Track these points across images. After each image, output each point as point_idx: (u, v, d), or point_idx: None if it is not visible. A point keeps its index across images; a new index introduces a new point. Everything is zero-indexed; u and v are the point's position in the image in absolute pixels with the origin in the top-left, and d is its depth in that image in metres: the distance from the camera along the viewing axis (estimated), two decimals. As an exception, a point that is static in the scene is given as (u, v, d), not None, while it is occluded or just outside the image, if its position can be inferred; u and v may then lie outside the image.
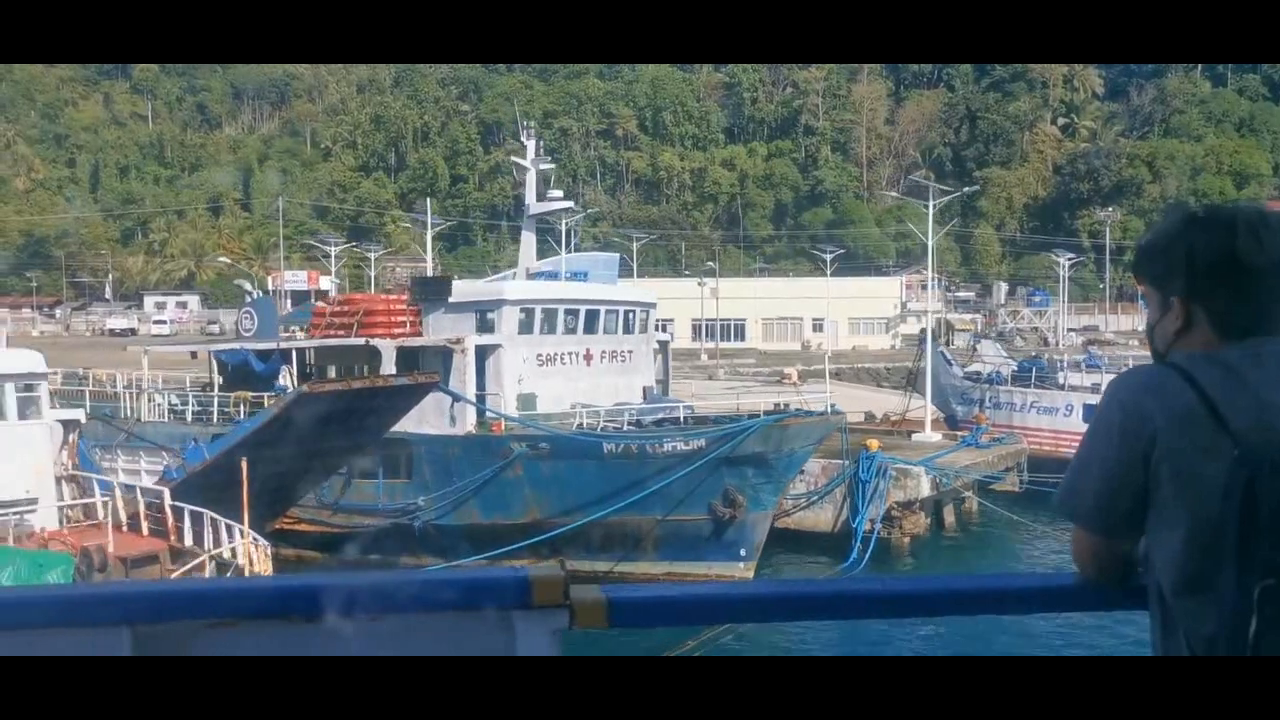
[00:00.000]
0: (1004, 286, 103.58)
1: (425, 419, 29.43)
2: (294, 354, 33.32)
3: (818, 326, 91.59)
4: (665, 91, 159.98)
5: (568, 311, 32.68)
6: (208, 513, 19.99)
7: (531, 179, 35.17)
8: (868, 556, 31.06)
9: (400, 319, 34.17)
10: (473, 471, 29.90)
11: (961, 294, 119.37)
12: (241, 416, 31.38)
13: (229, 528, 19.72)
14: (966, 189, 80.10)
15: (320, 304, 37.41)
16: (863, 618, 2.46)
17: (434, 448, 30.28)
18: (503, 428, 30.34)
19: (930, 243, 51.03)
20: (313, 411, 24.25)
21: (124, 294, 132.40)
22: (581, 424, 30.71)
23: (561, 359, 32.24)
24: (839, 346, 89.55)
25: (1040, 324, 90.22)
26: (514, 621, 2.02)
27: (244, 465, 21.17)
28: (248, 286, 41.95)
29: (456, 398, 28.65)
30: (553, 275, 77.00)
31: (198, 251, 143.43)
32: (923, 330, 49.51)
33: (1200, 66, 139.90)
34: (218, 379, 35.17)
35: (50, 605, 1.98)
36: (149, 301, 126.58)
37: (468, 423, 30.09)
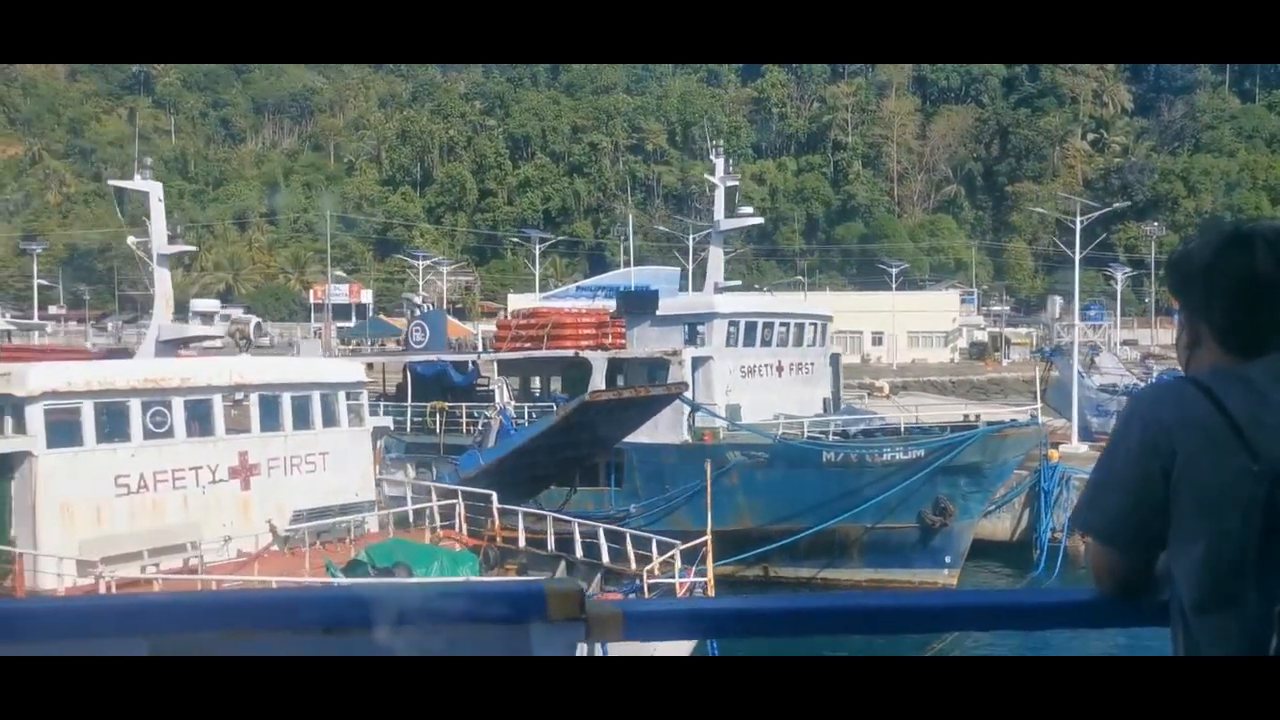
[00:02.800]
0: (1059, 301, 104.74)
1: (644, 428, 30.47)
2: (495, 365, 34.34)
3: (877, 340, 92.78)
4: (694, 106, 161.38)
5: (765, 325, 33.81)
6: (549, 514, 21.08)
7: (720, 195, 36.29)
8: (1058, 566, 32.15)
9: (588, 331, 35.37)
10: (687, 479, 30.91)
11: (995, 308, 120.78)
12: (436, 427, 32.61)
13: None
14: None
15: (504, 318, 38.39)
16: (882, 633, 2.52)
17: (647, 456, 31.27)
18: (715, 437, 31.43)
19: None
20: (590, 419, 25.42)
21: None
22: (783, 434, 31.77)
23: (759, 371, 33.37)
24: (900, 360, 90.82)
25: (1096, 338, 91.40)
26: (530, 634, 2.01)
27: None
28: (416, 300, 42.72)
29: (695, 407, 29.73)
30: (614, 289, 78.14)
31: (235, 265, 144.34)
32: (1057, 346, 50.79)
33: (1228, 81, 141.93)
34: (397, 389, 36.30)
35: (68, 616, 1.97)
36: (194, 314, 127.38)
37: (683, 432, 31.17)
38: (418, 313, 39.71)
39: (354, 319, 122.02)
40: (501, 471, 25.56)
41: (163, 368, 20.21)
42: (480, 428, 31.54)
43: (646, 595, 16.15)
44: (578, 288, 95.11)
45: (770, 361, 33.82)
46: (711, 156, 37.93)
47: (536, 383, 33.57)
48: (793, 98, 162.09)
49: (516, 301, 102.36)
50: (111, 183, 26.16)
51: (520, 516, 21.79)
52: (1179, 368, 2.42)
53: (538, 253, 64.46)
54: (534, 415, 31.87)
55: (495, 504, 21.97)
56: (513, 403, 31.89)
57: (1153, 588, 2.34)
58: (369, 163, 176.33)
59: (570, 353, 32.77)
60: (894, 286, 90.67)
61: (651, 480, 31.46)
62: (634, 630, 2.13)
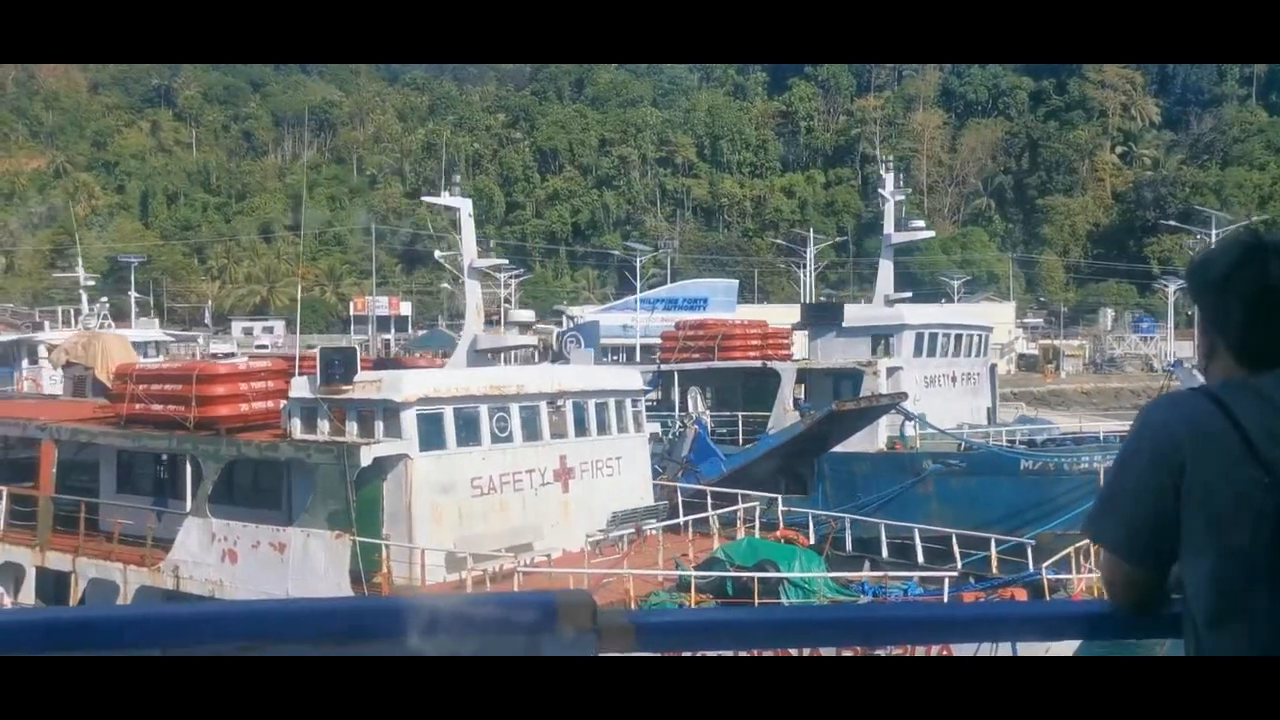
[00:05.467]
0: (1110, 313, 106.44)
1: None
2: (674, 376, 35.22)
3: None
4: (722, 119, 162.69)
5: (944, 336, 34.78)
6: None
7: (890, 209, 37.29)
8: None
9: (755, 341, 36.34)
10: (880, 487, 31.79)
11: (1030, 320, 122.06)
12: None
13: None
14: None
15: (671, 329, 39.27)
16: (892, 643, 2.53)
17: (840, 464, 32.14)
18: (905, 446, 32.34)
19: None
20: (829, 428, 26.38)
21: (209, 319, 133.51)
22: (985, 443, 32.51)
23: (938, 381, 34.34)
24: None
25: (1148, 349, 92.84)
26: (541, 645, 2.01)
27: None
28: (571, 311, 43.63)
29: (910, 416, 30.64)
30: (673, 301, 78.50)
31: (271, 277, 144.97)
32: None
33: (1255, 94, 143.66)
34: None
35: (81, 627, 1.96)
36: (236, 326, 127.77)
37: (877, 441, 32.07)
38: (571, 323, 40.54)
39: (393, 331, 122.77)
40: (741, 478, 26.48)
41: (503, 376, 21.13)
42: (673, 437, 32.40)
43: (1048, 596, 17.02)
44: (640, 300, 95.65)
45: (946, 372, 34.79)
46: (882, 171, 38.93)
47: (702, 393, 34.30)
48: (820, 111, 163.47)
49: (574, 314, 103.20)
50: (425, 198, 26.89)
51: (810, 517, 22.72)
52: None
53: (639, 265, 65.06)
54: (717, 426, 32.78)
55: (781, 506, 22.90)
56: (708, 412, 32.78)
57: (1164, 600, 2.33)
58: (392, 175, 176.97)
59: (758, 363, 33.70)
60: (956, 298, 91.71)
61: (843, 488, 32.27)
62: (645, 642, 2.14)
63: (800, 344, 38.14)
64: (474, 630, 2.01)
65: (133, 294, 55.68)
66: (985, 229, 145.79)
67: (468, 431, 19.69)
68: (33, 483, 23.45)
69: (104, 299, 50.88)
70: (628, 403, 23.05)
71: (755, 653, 2.39)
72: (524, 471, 20.43)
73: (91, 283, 49.94)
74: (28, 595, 22.05)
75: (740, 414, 33.49)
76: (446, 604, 2.03)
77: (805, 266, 60.70)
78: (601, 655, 2.06)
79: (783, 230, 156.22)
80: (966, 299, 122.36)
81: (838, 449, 32.01)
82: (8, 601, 22.34)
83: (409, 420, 18.80)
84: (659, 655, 2.12)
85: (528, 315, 32.15)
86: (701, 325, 38.86)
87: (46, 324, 47.24)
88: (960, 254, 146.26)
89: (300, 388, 19.78)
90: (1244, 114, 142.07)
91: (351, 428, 19.19)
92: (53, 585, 21.70)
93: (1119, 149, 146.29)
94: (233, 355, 43.24)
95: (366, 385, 19.21)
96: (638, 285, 63.38)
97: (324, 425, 19.41)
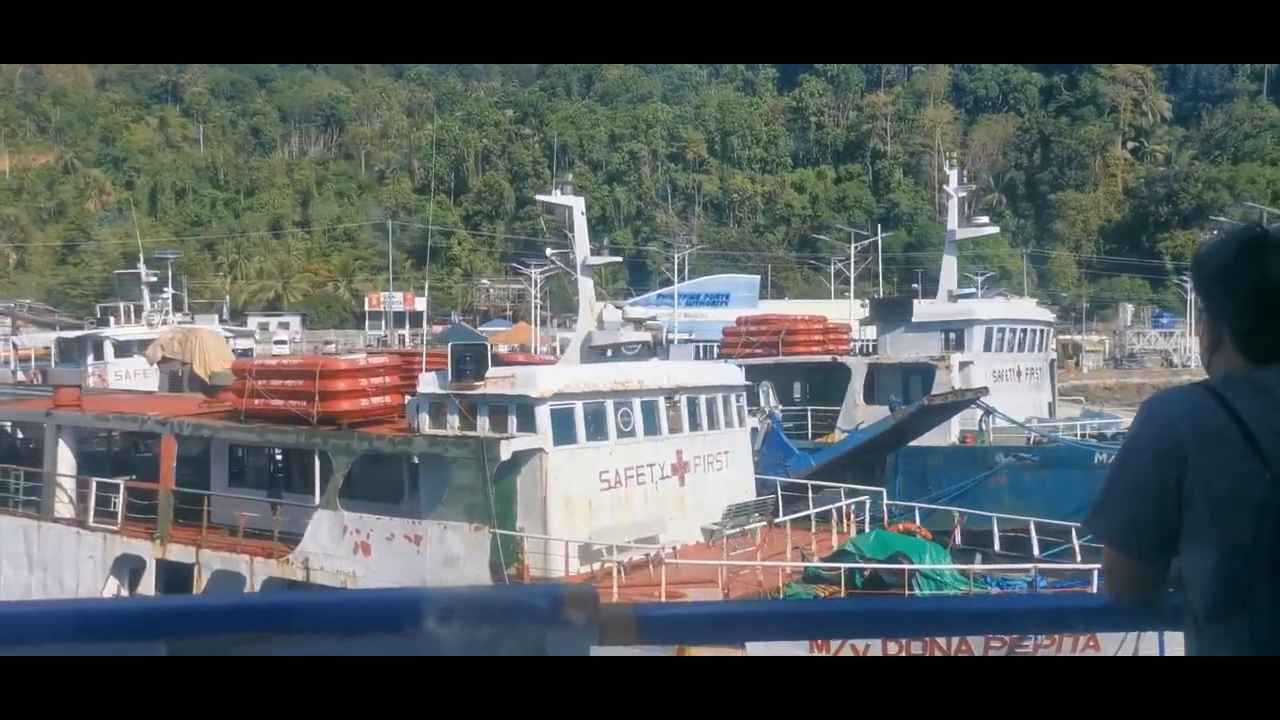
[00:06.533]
0: (1130, 308, 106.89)
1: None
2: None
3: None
4: (733, 115, 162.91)
5: (1011, 330, 35.12)
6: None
7: (953, 207, 37.61)
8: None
9: (818, 336, 36.68)
10: (952, 481, 32.14)
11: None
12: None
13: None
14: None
15: (732, 325, 39.56)
16: (897, 636, 2.67)
17: (912, 457, 32.46)
18: (976, 439, 32.70)
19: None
20: (916, 422, 26.74)
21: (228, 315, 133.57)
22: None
23: (1005, 376, 34.70)
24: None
25: (1168, 345, 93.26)
26: (545, 638, 2.02)
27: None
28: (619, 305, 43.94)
29: (990, 411, 30.98)
30: (694, 297, 78.54)
31: (285, 272, 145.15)
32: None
33: (1265, 90, 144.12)
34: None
35: (87, 619, 1.97)
36: (252, 322, 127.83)
37: (950, 435, 32.42)
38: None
39: (408, 326, 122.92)
40: (827, 471, 26.82)
41: (625, 372, 21.49)
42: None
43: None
44: (659, 295, 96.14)
45: (1013, 366, 35.15)
46: (946, 168, 39.27)
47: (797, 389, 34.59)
48: (830, 107, 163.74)
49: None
50: (539, 197, 27.25)
51: (917, 512, 23.08)
52: None
53: (677, 260, 65.22)
54: (785, 420, 33.09)
55: (886, 500, 23.25)
56: (780, 407, 33.10)
57: (1166, 593, 2.34)
58: (400, 171, 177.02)
59: (826, 358, 34.05)
60: (979, 294, 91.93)
61: (915, 482, 32.60)
62: (647, 633, 2.15)
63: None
64: (479, 622, 2.01)
65: (169, 291, 55.52)
66: (997, 224, 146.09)
67: (595, 426, 20.03)
68: (129, 476, 23.82)
69: (165, 294, 51.04)
70: (732, 397, 23.40)
71: (756, 652, 2.38)
72: (645, 465, 20.78)
73: (154, 278, 50.08)
74: (148, 588, 22.36)
75: (809, 408, 33.84)
76: (452, 596, 2.01)
77: (849, 262, 60.85)
78: (605, 655, 2.06)
79: (795, 226, 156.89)
80: (984, 296, 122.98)
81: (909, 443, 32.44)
82: (124, 595, 22.65)
83: (543, 415, 19.13)
84: (659, 655, 2.09)
85: (641, 311, 32.28)
86: (764, 320, 39.18)
87: (111, 320, 47.38)
88: (972, 249, 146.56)
89: (429, 383, 20.09)
90: (1255, 109, 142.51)
91: (482, 422, 19.50)
92: (174, 577, 21.99)
93: (1130, 144, 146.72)
94: (249, 352, 43.40)
95: (500, 381, 19.53)
96: (675, 280, 63.63)
97: (453, 420, 19.71)
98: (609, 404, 20.24)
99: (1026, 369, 35.91)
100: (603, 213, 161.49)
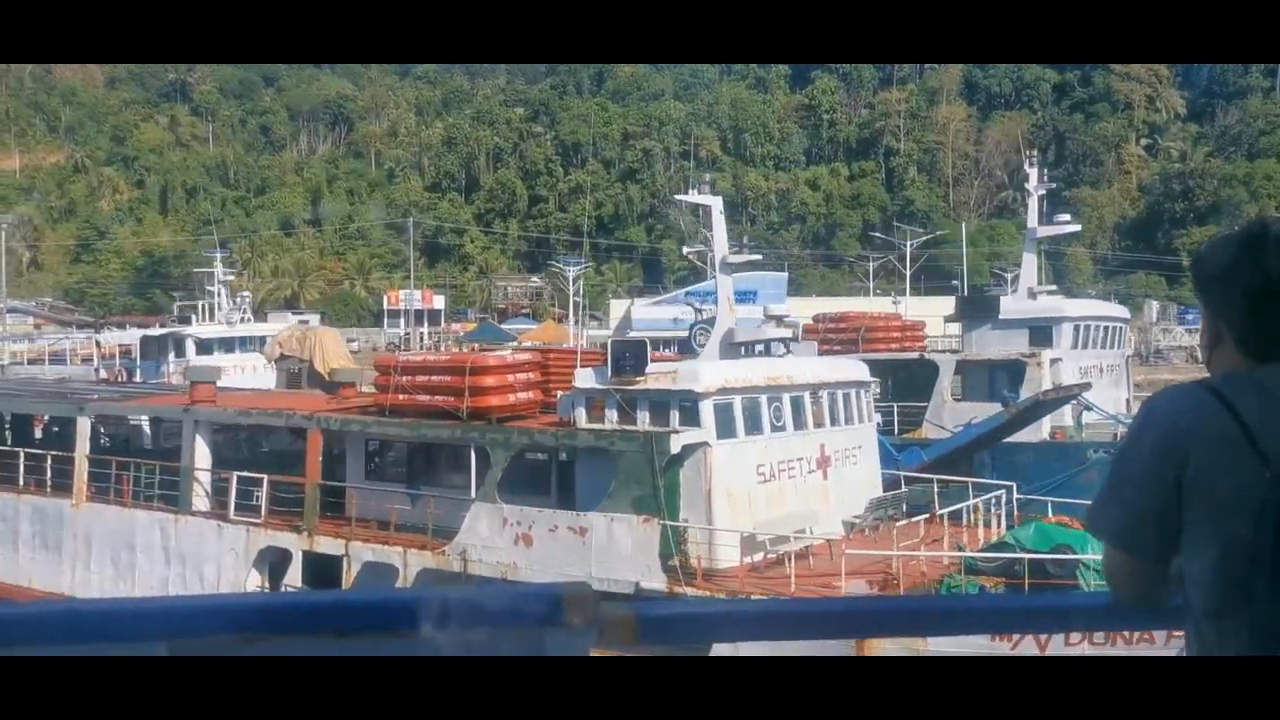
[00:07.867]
0: (1155, 305, 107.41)
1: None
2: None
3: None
4: (746, 113, 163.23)
5: (1096, 327, 35.42)
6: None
7: (1034, 205, 37.92)
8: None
9: (896, 334, 37.02)
10: (1043, 476, 32.36)
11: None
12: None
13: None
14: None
15: (809, 321, 39.79)
16: (897, 635, 2.53)
17: (1003, 453, 32.69)
18: (1065, 435, 32.97)
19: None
20: (1023, 417, 27.10)
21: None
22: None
23: (1089, 373, 34.99)
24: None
25: (1193, 341, 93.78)
26: (544, 638, 2.01)
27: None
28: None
29: (1089, 406, 31.28)
30: (709, 294, 78.78)
31: (302, 271, 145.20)
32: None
33: (1278, 87, 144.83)
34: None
35: (86, 619, 1.94)
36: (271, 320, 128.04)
37: (1042, 430, 32.67)
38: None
39: (426, 324, 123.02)
40: (936, 467, 27.17)
41: (776, 368, 21.84)
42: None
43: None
44: (686, 293, 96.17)
45: (1096, 364, 35.44)
46: (1026, 166, 39.58)
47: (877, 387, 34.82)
48: (843, 104, 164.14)
49: (618, 308, 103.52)
50: (678, 197, 27.56)
51: (1050, 507, 23.43)
52: None
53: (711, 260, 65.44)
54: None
55: (1016, 495, 23.61)
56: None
57: (1167, 592, 2.32)
58: (410, 170, 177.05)
59: (914, 354, 34.36)
60: (1009, 291, 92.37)
61: (1006, 477, 32.78)
62: (647, 634, 2.15)
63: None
64: (479, 621, 2.00)
65: (219, 281, 55.30)
66: (1012, 221, 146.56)
67: (752, 421, 20.38)
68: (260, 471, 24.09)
69: (245, 293, 51.28)
70: (863, 393, 23.76)
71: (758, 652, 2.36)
72: (795, 459, 21.14)
73: (231, 277, 50.28)
74: (294, 580, 22.65)
75: (895, 404, 34.15)
76: (451, 597, 2.00)
77: (905, 260, 61.16)
78: (605, 655, 2.06)
79: (810, 224, 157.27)
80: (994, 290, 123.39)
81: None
82: (267, 588, 22.93)
83: (707, 410, 19.48)
84: (659, 655, 2.11)
85: (783, 309, 32.40)
86: (842, 318, 39.47)
87: (193, 318, 47.65)
88: (987, 246, 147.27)
89: (586, 379, 20.41)
90: (1269, 106, 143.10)
91: (642, 417, 19.83)
92: (322, 569, 22.27)
93: (1144, 141, 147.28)
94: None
95: (661, 376, 19.86)
96: (709, 276, 63.58)
97: (611, 415, 20.04)
98: (763, 399, 20.59)
99: (1108, 365, 36.22)
100: (616, 210, 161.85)
